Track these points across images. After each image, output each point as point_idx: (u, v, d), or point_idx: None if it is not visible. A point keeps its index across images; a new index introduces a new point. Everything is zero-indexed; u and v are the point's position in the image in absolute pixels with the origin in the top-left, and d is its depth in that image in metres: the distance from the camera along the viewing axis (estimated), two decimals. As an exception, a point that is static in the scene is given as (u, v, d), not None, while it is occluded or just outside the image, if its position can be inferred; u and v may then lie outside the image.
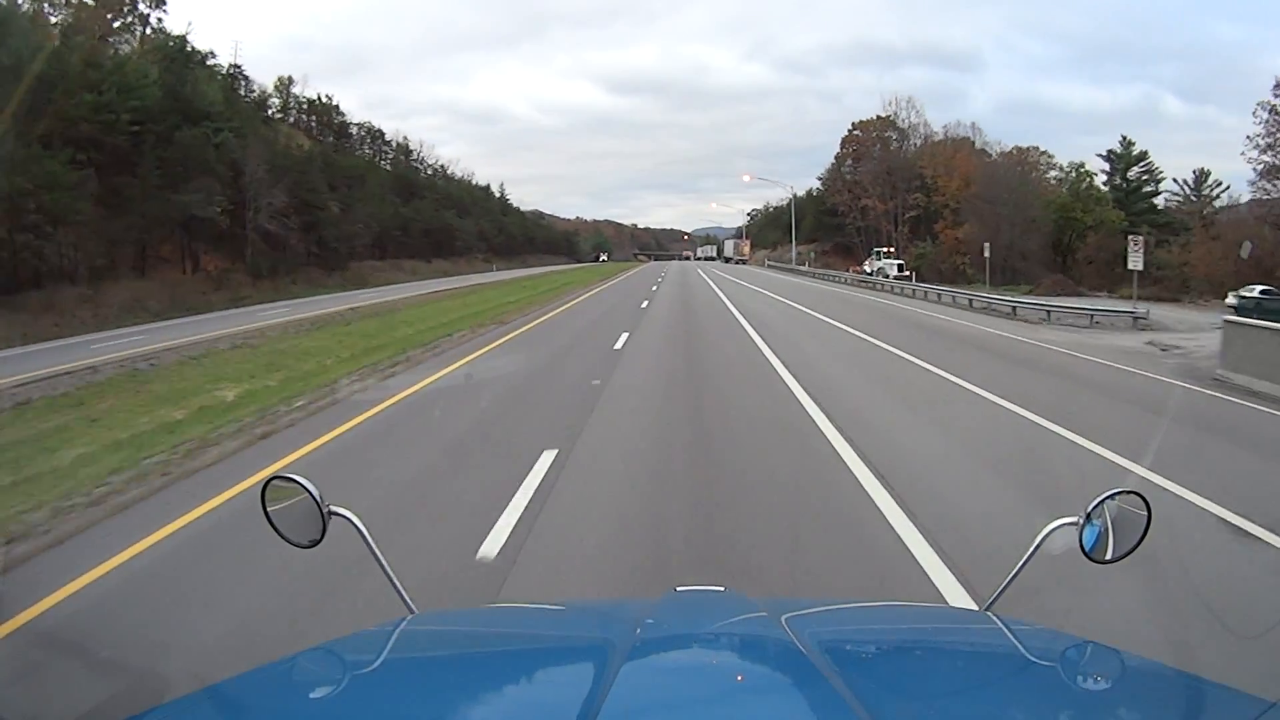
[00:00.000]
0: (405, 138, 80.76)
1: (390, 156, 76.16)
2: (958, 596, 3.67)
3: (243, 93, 54.17)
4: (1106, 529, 1.38)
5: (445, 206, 72.82)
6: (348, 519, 1.47)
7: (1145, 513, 1.38)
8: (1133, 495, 1.39)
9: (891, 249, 53.26)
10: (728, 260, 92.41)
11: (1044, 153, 55.63)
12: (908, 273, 44.91)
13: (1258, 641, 3.17)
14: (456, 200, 78.76)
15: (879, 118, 65.28)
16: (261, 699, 1.11)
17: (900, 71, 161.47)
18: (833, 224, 65.77)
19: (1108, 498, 1.38)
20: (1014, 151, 56.11)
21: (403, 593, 1.47)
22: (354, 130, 71.60)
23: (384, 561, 1.46)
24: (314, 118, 66.41)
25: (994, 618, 1.36)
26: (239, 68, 54.49)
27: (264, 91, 59.45)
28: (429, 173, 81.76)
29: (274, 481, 1.50)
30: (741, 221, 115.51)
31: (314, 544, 1.47)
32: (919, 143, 63.81)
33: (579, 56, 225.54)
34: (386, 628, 1.31)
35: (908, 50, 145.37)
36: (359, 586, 3.52)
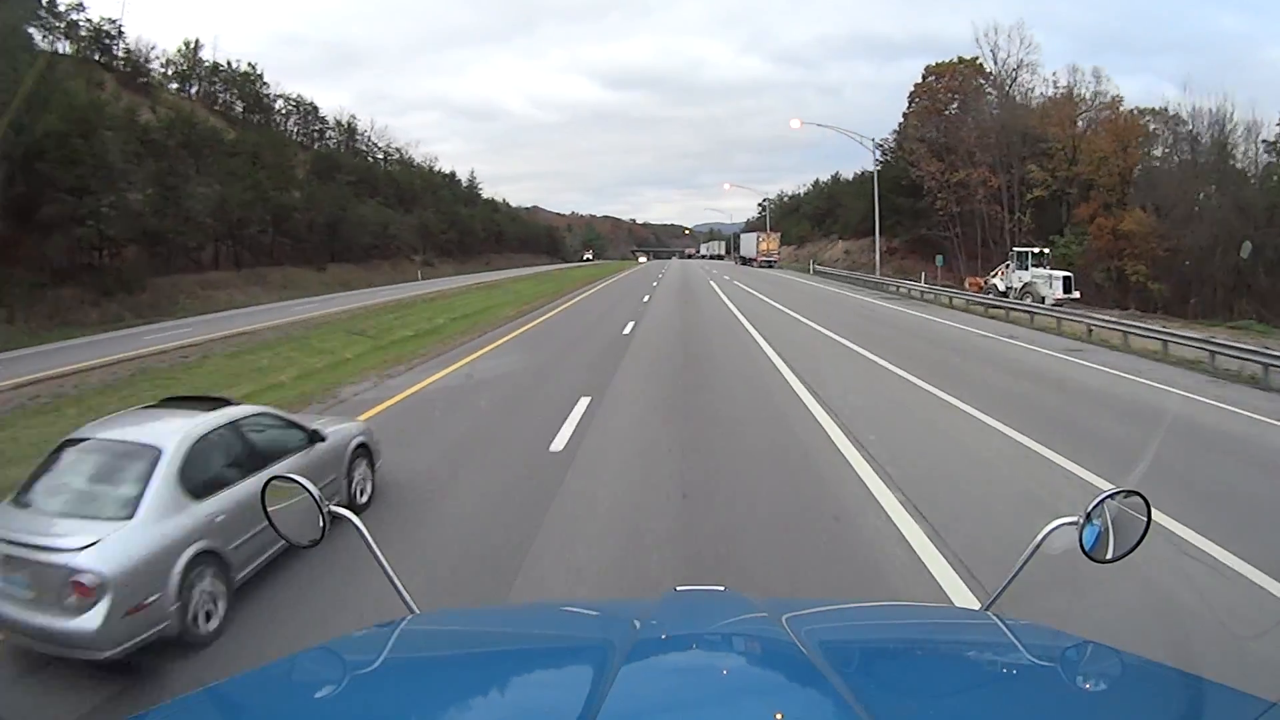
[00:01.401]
0: (353, 116, 66.25)
1: (324, 136, 62.06)
2: None
3: (115, 52, 42.92)
4: (1107, 529, 1.38)
5: (369, 193, 56.29)
6: (348, 519, 1.47)
7: (1145, 512, 1.38)
8: (1133, 495, 1.39)
9: (1044, 248, 28.41)
10: (746, 262, 61.42)
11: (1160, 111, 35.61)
12: (1076, 293, 24.84)
13: (1257, 641, 3.17)
14: (404, 188, 63.97)
15: (961, 60, 44.66)
16: (261, 699, 1.11)
17: (899, 64, 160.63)
18: (908, 209, 42.63)
19: (1107, 497, 1.38)
20: (1133, 113, 36.47)
21: (403, 593, 1.47)
22: (279, 104, 57.54)
23: (384, 561, 1.47)
24: (225, 86, 53.33)
25: (994, 618, 1.36)
26: (114, 22, 42.70)
27: (165, 56, 47.45)
28: (380, 156, 67.37)
29: (274, 482, 1.51)
30: (752, 213, 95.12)
31: (314, 543, 1.48)
32: (1012, 93, 42.16)
33: (573, 51, 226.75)
34: (386, 628, 1.31)
35: (906, 42, 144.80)
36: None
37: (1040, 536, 1.42)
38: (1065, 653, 1.26)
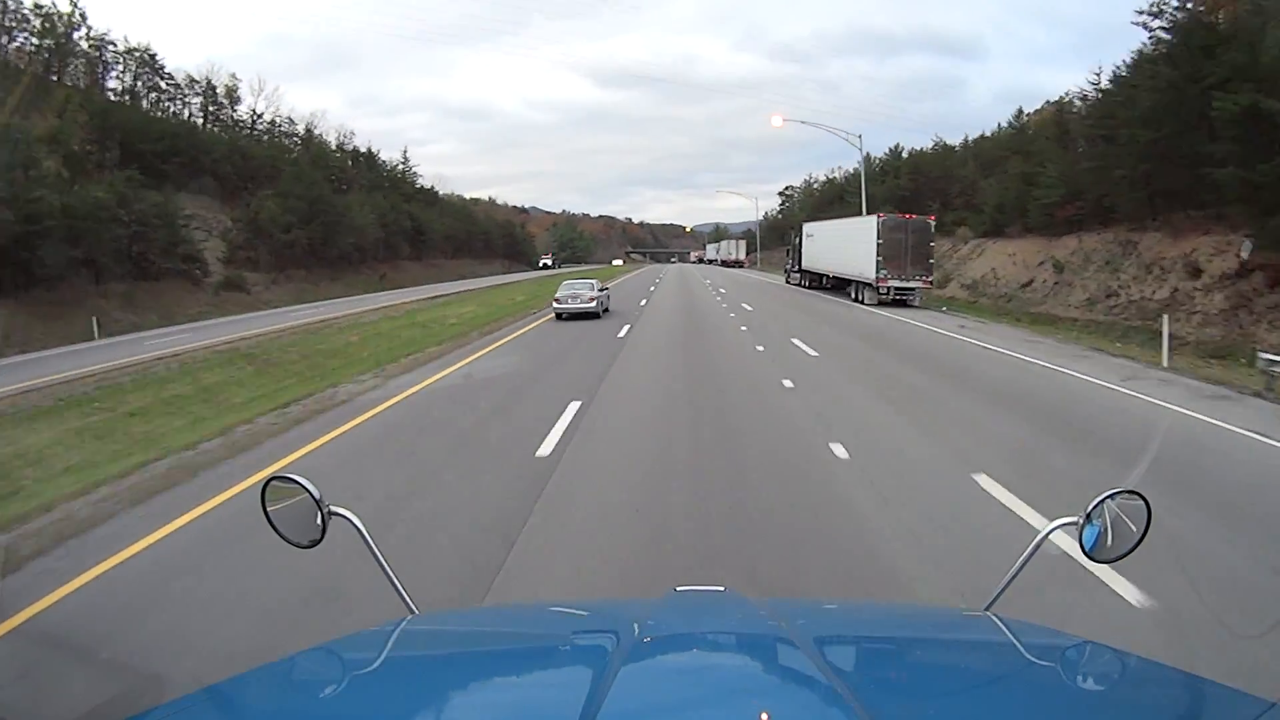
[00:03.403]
0: (233, 76, 48.95)
1: (163, 95, 45.16)
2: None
3: None
4: (1106, 529, 1.38)
5: (190, 175, 38.49)
6: (347, 519, 1.47)
7: (1145, 512, 1.38)
8: (1133, 495, 1.39)
9: None
10: (818, 282, 30.86)
11: None
12: None
13: (1257, 641, 3.16)
14: (255, 163, 44.76)
15: None
16: (261, 699, 1.11)
17: (899, 59, 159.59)
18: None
19: (1107, 497, 1.38)
20: None
21: (403, 593, 1.48)
22: (92, 50, 41.19)
23: (384, 561, 1.47)
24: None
25: (994, 618, 1.36)
26: None
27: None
28: (263, 127, 49.27)
29: (273, 482, 1.50)
30: (759, 212, 75.61)
31: (314, 544, 1.48)
32: None
33: (565, 49, 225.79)
34: (386, 628, 1.31)
35: (905, 36, 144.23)
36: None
37: (1040, 536, 1.42)
38: (1065, 653, 1.26)
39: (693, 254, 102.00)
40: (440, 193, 71.94)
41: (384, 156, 62.91)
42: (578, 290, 20.54)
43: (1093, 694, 1.10)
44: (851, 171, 53.41)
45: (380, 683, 1.11)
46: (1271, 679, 2.79)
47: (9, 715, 2.85)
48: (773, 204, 76.57)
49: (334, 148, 56.04)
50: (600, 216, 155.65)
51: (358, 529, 1.47)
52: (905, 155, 46.54)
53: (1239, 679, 1.08)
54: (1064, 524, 1.41)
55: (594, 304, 20.04)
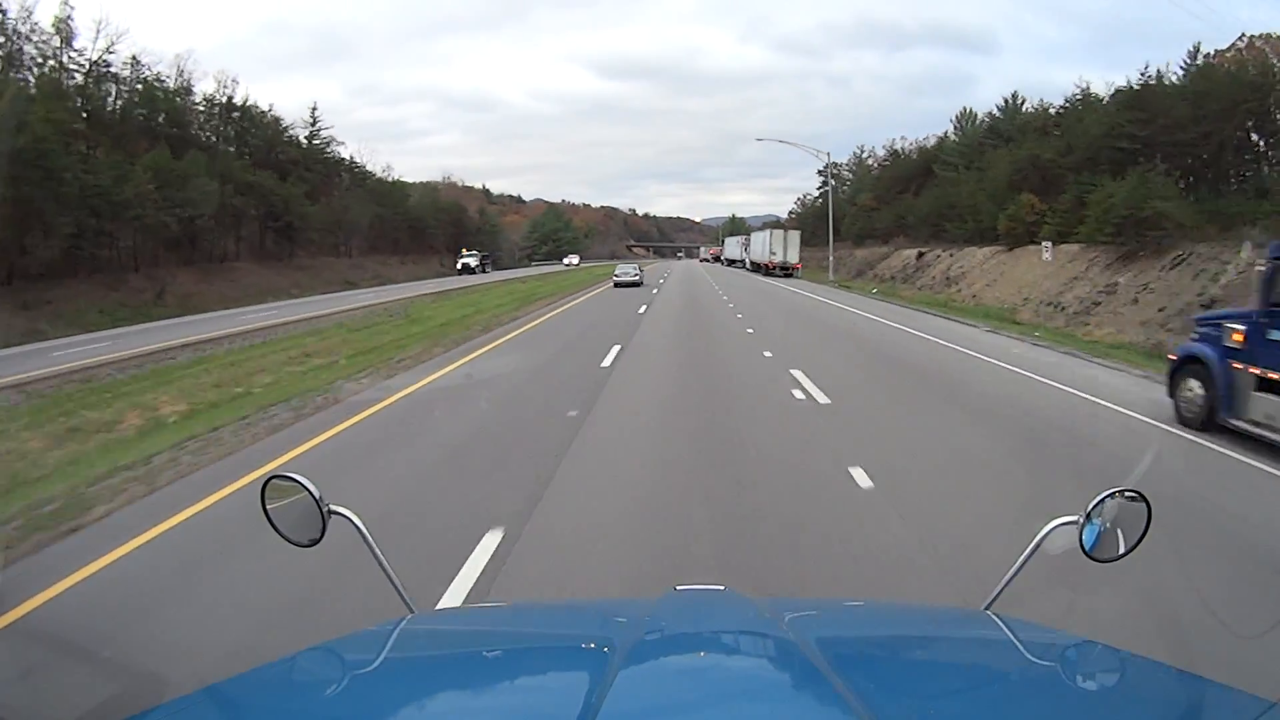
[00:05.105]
0: (64, 4, 33.49)
1: None
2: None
3: None
4: (1107, 528, 1.38)
5: None
6: (347, 518, 1.46)
7: (1145, 512, 1.38)
8: (1134, 494, 1.38)
9: None
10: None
11: None
12: None
13: (1257, 641, 3.16)
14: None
15: None
16: (261, 699, 1.11)
17: (909, 53, 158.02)
18: None
19: (1108, 496, 1.38)
20: None
21: (403, 592, 1.47)
22: None
23: (384, 561, 1.46)
24: None
25: (994, 617, 1.35)
26: None
27: None
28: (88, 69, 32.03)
29: (273, 480, 1.49)
30: (775, 208, 63.27)
31: (314, 543, 1.47)
32: None
33: (567, 39, 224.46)
34: (386, 627, 1.31)
35: (915, 29, 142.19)
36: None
37: (1040, 536, 1.42)
38: (1065, 652, 1.26)
39: (703, 250, 77.83)
40: (370, 169, 53.80)
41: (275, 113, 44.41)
42: (626, 269, 33.27)
43: (1092, 693, 1.10)
44: (933, 141, 39.33)
45: (380, 682, 1.11)
46: (1271, 679, 2.79)
47: (9, 715, 2.85)
48: (810, 185, 57.49)
49: (202, 99, 38.34)
50: (601, 207, 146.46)
51: (358, 528, 1.46)
52: (1053, 108, 29.77)
53: (1239, 679, 1.08)
54: (1064, 523, 1.41)
55: (637, 277, 31.68)
